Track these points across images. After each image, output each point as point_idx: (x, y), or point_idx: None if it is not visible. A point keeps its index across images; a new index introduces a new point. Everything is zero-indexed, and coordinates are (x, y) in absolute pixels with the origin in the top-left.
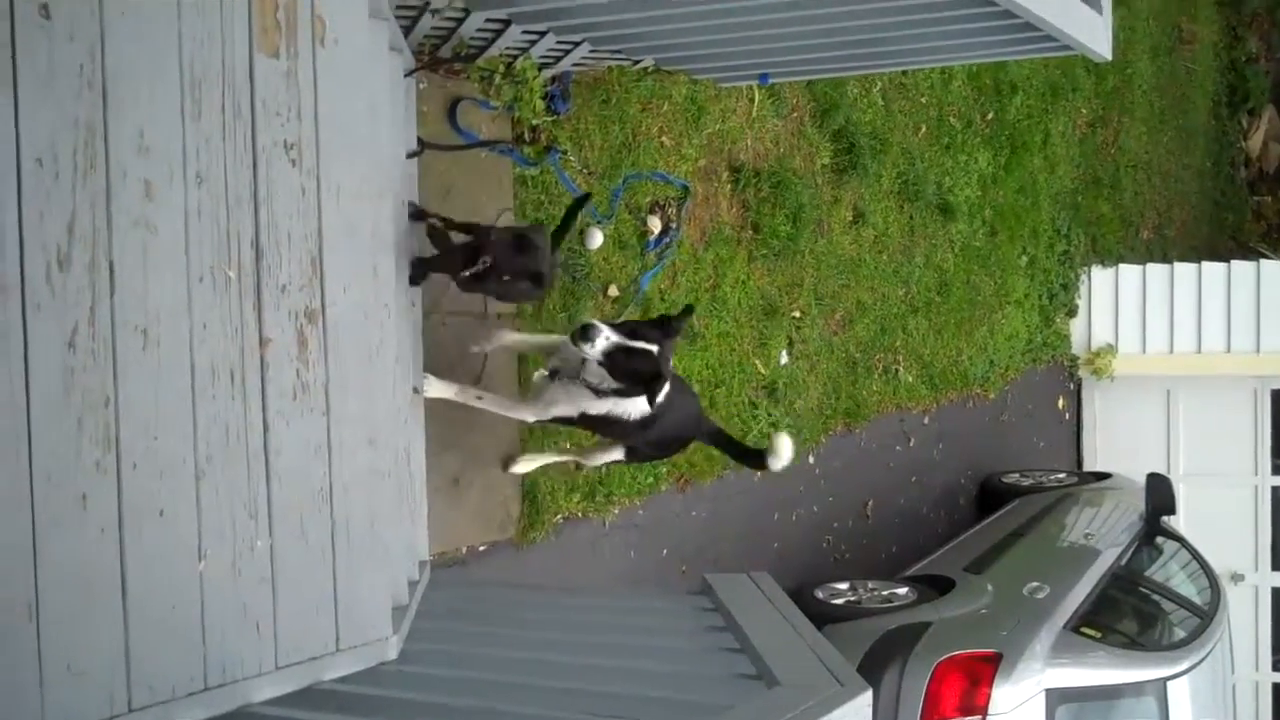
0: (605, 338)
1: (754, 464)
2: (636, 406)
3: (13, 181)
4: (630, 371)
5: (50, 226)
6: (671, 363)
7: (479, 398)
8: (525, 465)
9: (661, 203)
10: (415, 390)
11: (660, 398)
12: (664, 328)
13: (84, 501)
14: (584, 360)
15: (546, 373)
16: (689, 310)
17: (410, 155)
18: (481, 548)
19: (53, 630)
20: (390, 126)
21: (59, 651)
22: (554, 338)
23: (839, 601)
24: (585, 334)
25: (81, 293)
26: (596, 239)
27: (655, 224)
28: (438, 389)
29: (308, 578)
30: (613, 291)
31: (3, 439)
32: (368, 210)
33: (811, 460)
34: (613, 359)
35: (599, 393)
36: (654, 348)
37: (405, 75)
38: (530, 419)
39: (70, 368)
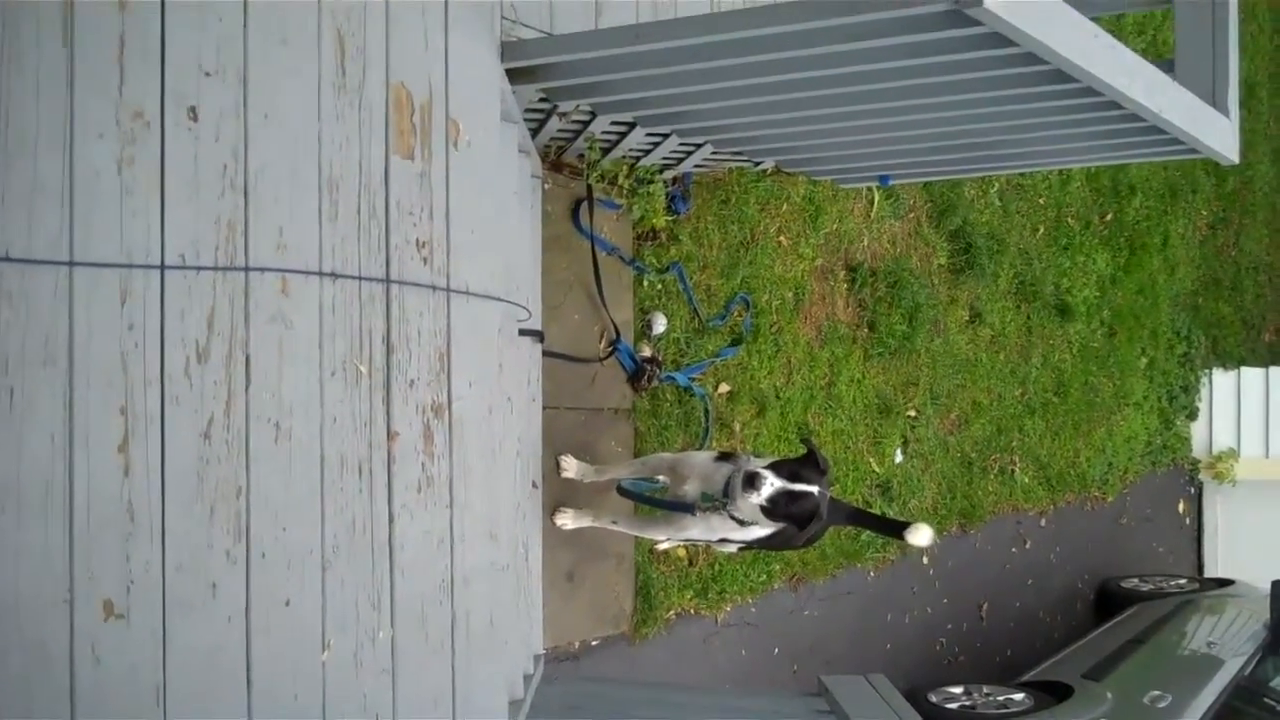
0: (770, 484)
1: (893, 534)
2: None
3: (157, 276)
4: (790, 515)
5: (191, 320)
6: (827, 501)
7: (614, 522)
8: (669, 543)
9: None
10: (534, 485)
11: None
12: (817, 464)
13: (214, 590)
14: (727, 488)
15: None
16: (811, 448)
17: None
18: (594, 642)
19: (179, 715)
20: (518, 226)
21: None
22: (664, 456)
23: (953, 706)
24: (752, 483)
25: (219, 386)
26: (660, 324)
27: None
28: (574, 520)
29: (427, 670)
30: (723, 388)
31: (138, 528)
32: (495, 307)
33: (925, 560)
34: (775, 503)
35: (743, 523)
36: (815, 489)
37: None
38: (662, 537)
39: (205, 458)
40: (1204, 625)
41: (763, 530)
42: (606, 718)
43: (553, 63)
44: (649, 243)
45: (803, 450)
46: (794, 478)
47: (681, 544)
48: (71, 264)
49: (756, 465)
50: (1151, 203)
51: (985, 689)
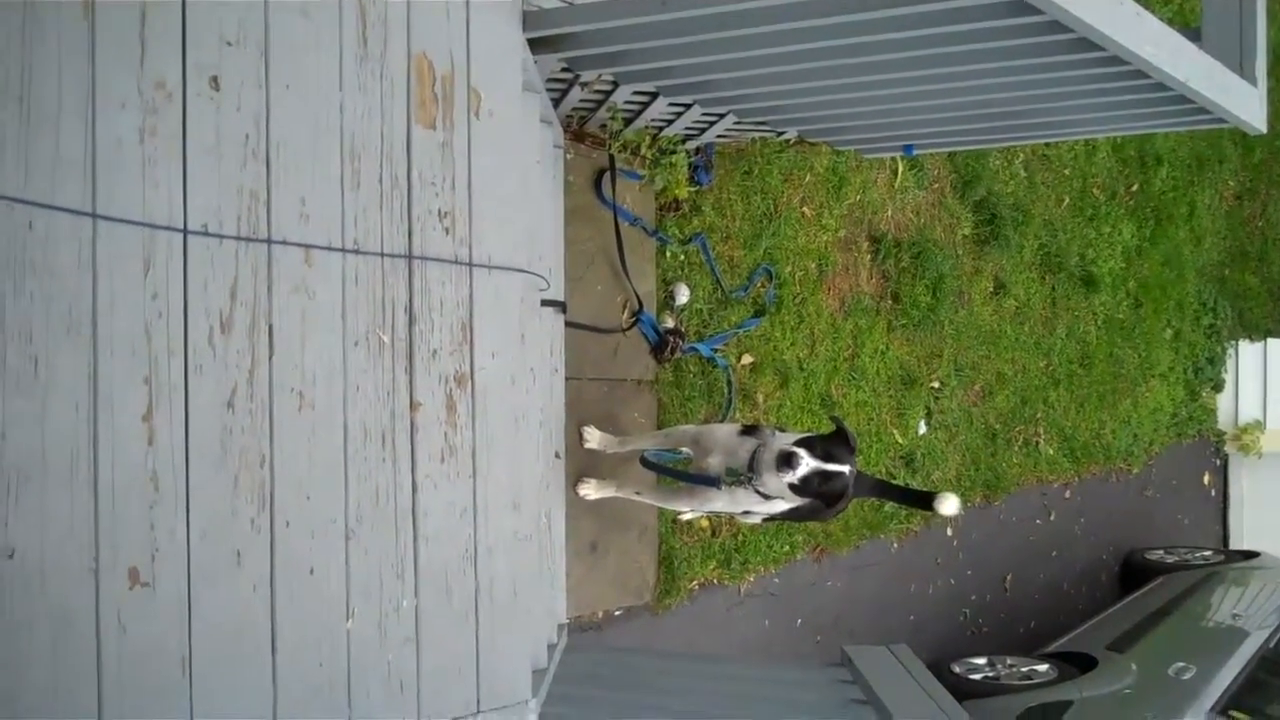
0: (805, 464)
1: (921, 506)
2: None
3: (179, 245)
4: (820, 493)
5: (214, 290)
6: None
7: (637, 493)
8: (691, 514)
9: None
10: (557, 455)
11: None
12: (848, 442)
13: (238, 558)
14: (752, 463)
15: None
16: (840, 426)
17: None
18: (618, 612)
19: (205, 683)
20: (540, 196)
21: (211, 705)
22: (687, 428)
23: (977, 677)
24: (788, 461)
25: (242, 355)
26: (683, 294)
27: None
28: (597, 491)
29: (451, 639)
30: (746, 360)
31: (163, 497)
32: (517, 278)
33: (949, 532)
34: (807, 482)
35: (768, 497)
36: (846, 469)
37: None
38: (685, 509)
39: (229, 428)
40: (1229, 597)
41: (787, 504)
42: (629, 687)
43: (575, 32)
44: (672, 213)
45: (830, 426)
46: (827, 457)
47: (704, 515)
48: (94, 235)
49: (785, 441)
50: (1178, 173)
51: (1009, 660)
